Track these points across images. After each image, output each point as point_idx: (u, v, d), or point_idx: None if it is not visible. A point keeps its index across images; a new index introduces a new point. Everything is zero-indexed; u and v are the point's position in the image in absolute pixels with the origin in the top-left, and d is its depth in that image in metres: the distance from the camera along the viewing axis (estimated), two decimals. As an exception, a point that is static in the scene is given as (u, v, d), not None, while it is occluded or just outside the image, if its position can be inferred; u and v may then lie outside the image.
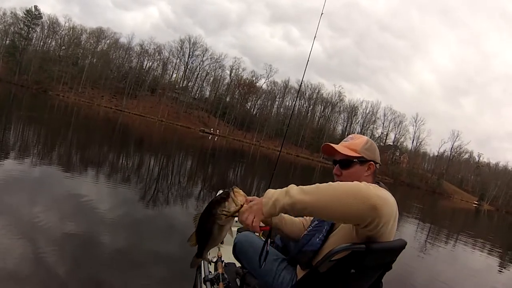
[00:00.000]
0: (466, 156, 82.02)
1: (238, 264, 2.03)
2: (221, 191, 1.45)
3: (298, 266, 1.66)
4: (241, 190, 1.38)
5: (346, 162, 1.57)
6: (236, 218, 1.37)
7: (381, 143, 78.20)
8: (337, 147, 1.60)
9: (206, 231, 1.37)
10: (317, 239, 1.53)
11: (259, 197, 1.33)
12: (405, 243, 1.47)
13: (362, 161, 1.56)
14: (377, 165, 1.59)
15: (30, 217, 3.67)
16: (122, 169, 8.58)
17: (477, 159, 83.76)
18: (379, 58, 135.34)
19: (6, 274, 2.53)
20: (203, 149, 24.87)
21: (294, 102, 75.35)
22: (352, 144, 1.60)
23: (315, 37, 2.98)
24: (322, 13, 3.06)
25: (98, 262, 3.09)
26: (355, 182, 1.21)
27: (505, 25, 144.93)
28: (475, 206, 59.49)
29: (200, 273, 2.23)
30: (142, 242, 3.85)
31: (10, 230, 3.30)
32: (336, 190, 1.17)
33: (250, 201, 1.40)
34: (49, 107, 28.93)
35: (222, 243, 2.67)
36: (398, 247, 1.44)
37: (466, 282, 6.18)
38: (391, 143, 78.91)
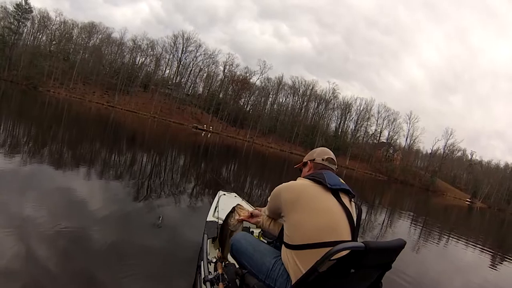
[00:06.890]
0: (459, 154, 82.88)
1: (238, 265, 2.00)
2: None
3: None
4: (244, 207, 2.16)
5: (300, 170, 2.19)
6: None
7: (375, 141, 78.82)
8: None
9: (224, 236, 2.07)
10: None
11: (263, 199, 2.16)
12: (404, 243, 1.49)
13: (304, 163, 2.13)
14: (316, 160, 2.05)
15: (20, 213, 3.59)
16: (115, 166, 8.46)
17: (469, 157, 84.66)
18: (368, 55, 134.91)
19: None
20: (196, 146, 24.76)
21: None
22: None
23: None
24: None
25: (96, 262, 3.02)
26: None
27: (489, 21, 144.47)
28: (468, 204, 60.22)
29: (200, 273, 2.19)
30: (141, 242, 3.75)
31: (1, 225, 3.21)
32: None
33: (251, 213, 2.15)
34: (40, 103, 28.53)
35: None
36: (397, 247, 1.47)
37: (458, 277, 6.24)
38: (385, 140, 79.46)
